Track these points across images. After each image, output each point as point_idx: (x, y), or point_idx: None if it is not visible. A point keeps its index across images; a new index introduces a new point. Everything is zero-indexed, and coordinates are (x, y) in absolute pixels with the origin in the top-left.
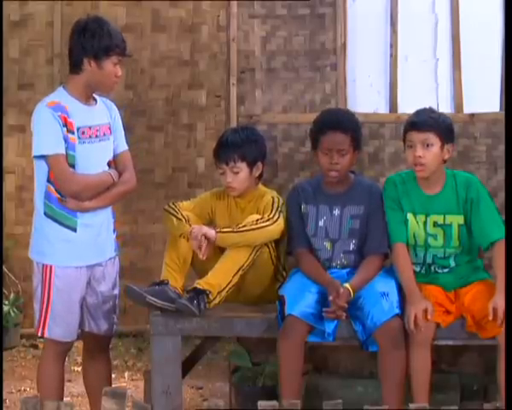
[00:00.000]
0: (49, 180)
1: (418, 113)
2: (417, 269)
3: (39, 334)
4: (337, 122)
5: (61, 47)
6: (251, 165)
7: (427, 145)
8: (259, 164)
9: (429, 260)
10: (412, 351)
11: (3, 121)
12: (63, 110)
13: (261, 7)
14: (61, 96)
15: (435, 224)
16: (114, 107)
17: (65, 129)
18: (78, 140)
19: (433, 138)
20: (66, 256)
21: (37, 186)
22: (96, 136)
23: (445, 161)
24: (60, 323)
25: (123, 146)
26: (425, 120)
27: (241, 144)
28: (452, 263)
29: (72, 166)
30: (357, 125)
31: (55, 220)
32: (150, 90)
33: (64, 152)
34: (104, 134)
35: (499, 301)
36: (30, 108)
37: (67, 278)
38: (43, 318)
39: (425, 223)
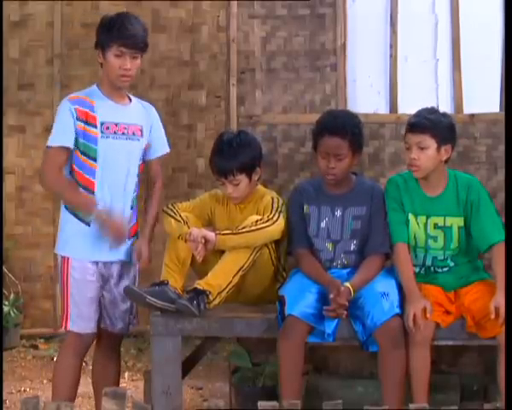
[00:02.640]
0: (70, 173)
1: (416, 114)
2: (417, 270)
3: (63, 328)
4: (335, 127)
5: (61, 47)
6: (250, 173)
7: (422, 148)
8: (258, 169)
9: (429, 262)
10: (412, 350)
11: (3, 122)
12: (82, 104)
13: (261, 7)
14: (90, 91)
15: (436, 226)
16: (154, 111)
17: (79, 123)
18: (101, 134)
19: (428, 141)
20: (81, 249)
21: None
22: (123, 133)
23: (446, 161)
24: (80, 314)
25: (164, 149)
26: (420, 122)
27: (237, 156)
28: (451, 264)
29: (94, 158)
30: (358, 128)
31: (73, 213)
32: (150, 90)
33: (69, 145)
34: (133, 134)
35: (501, 299)
36: (30, 109)
37: (83, 270)
38: (65, 312)
39: (425, 224)
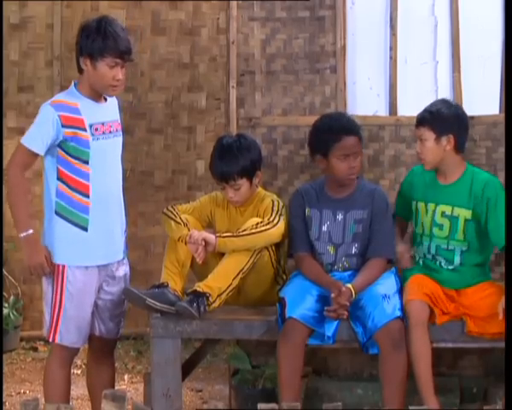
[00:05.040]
0: (59, 178)
1: (425, 107)
2: (420, 261)
3: (50, 339)
4: (349, 126)
5: (60, 49)
6: (250, 177)
7: (423, 140)
8: (258, 172)
9: (433, 250)
10: (410, 335)
11: (3, 124)
12: (66, 109)
13: (261, 9)
14: (71, 94)
15: (443, 214)
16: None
17: (66, 129)
18: (92, 137)
19: (426, 133)
20: (77, 256)
21: (47, 185)
22: (110, 132)
23: (458, 152)
24: (71, 329)
25: None
26: (420, 116)
27: (238, 160)
28: (457, 259)
29: (86, 162)
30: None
31: (66, 219)
32: (150, 92)
33: (38, 152)
34: (117, 130)
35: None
36: (29, 111)
37: (79, 282)
38: (54, 323)
39: (434, 212)
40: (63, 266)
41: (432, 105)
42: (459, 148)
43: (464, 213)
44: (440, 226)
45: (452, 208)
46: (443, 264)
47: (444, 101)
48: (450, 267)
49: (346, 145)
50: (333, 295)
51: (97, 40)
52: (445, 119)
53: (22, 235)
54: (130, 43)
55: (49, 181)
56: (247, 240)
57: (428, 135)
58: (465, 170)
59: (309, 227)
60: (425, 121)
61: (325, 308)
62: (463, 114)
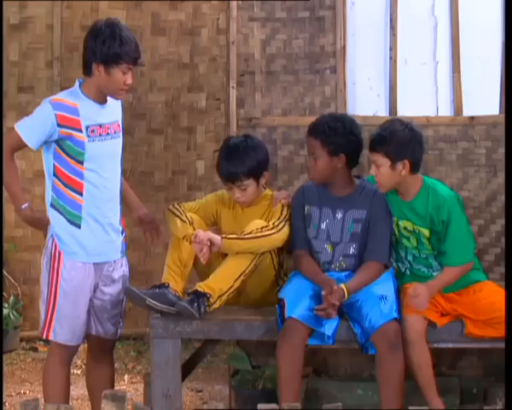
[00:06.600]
0: (54, 174)
1: (378, 129)
2: (402, 269)
3: (44, 336)
4: (310, 127)
5: (60, 50)
6: (257, 178)
7: (377, 165)
8: (265, 173)
9: (410, 258)
10: (409, 350)
11: (3, 124)
12: (64, 108)
13: (261, 10)
14: (74, 94)
15: (406, 228)
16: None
17: (62, 129)
18: (88, 138)
19: (380, 159)
20: (72, 251)
21: (47, 179)
22: (108, 133)
23: (413, 172)
24: (66, 326)
25: None
26: (374, 140)
27: (244, 161)
28: (434, 263)
29: (81, 162)
30: (335, 131)
31: (61, 214)
32: (150, 93)
33: (29, 144)
34: (115, 132)
35: (422, 289)
36: (29, 111)
37: (74, 280)
38: (48, 320)
39: (398, 226)
40: (59, 255)
41: (386, 128)
42: (415, 169)
43: (423, 231)
44: (408, 238)
45: (413, 225)
46: (425, 270)
47: (398, 122)
48: (435, 273)
49: (306, 143)
50: (323, 292)
51: (113, 47)
52: (400, 144)
53: (22, 207)
54: (139, 47)
55: (48, 175)
56: (252, 243)
57: (383, 161)
58: (421, 187)
59: (307, 225)
60: (379, 147)
61: (316, 307)
62: (417, 134)
